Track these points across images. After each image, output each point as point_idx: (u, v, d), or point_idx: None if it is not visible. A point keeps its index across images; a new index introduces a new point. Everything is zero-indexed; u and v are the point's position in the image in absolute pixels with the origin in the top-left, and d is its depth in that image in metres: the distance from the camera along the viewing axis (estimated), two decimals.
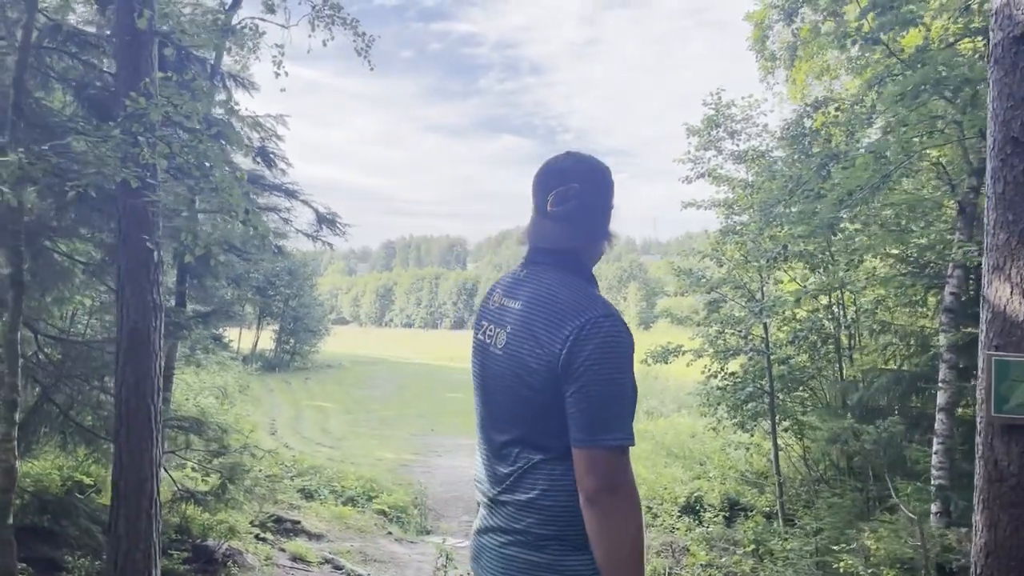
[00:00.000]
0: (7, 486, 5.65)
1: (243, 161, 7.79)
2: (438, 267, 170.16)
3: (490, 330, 2.02)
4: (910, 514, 6.14)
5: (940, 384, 8.56)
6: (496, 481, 2.00)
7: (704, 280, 15.16)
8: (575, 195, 1.96)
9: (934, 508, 8.16)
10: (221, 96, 5.52)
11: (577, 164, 2.04)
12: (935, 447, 8.41)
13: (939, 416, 8.54)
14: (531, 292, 1.94)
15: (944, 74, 5.69)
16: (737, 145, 14.94)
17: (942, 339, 8.71)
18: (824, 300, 14.02)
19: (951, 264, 8.69)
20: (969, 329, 7.67)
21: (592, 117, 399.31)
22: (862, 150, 8.54)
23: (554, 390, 1.80)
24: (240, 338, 40.24)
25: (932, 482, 8.29)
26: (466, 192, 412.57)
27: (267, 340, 46.71)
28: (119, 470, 6.17)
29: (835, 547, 7.79)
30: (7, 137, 5.57)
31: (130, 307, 6.12)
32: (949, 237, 9.87)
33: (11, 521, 5.72)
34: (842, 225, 9.03)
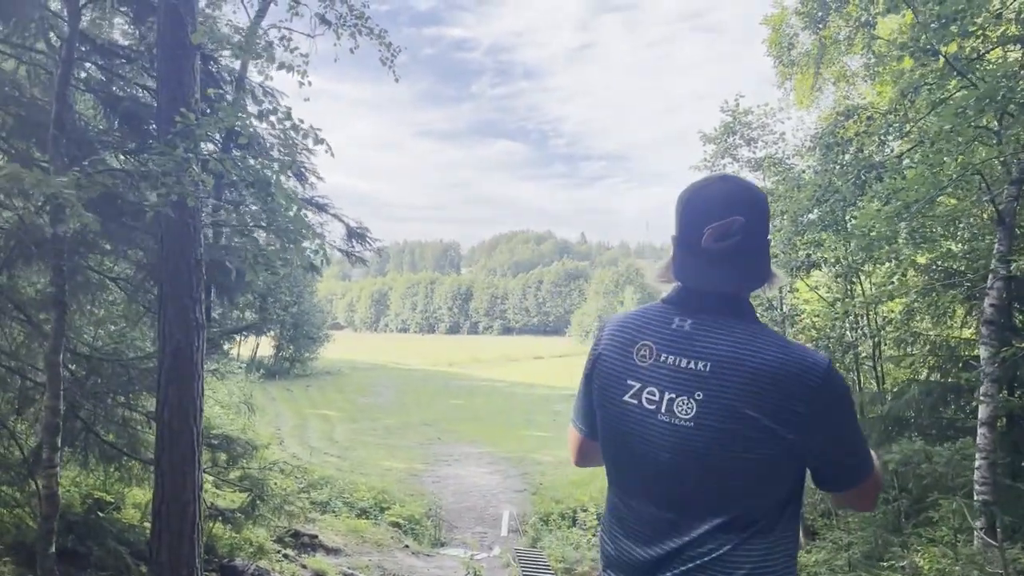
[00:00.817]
0: (50, 513, 5.47)
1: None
2: (432, 272, 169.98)
3: (653, 394, 1.70)
4: (987, 540, 5.99)
5: (982, 398, 8.43)
6: (663, 565, 1.72)
7: None
8: (739, 230, 1.65)
9: (978, 524, 8.03)
10: (281, 111, 5.34)
11: (741, 192, 1.71)
12: (978, 462, 8.27)
13: (981, 430, 8.39)
14: (721, 351, 1.65)
15: (1011, 87, 5.57)
16: (754, 152, 14.87)
17: (983, 351, 8.58)
18: (839, 307, 13.94)
19: (991, 275, 8.57)
20: None
21: (585, 121, 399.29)
22: (905, 160, 8.43)
23: (786, 463, 1.64)
24: (239, 346, 39.93)
25: (976, 498, 8.15)
26: (460, 196, 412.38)
27: (265, 347, 46.39)
28: (161, 495, 5.99)
29: (883, 563, 7.64)
30: (49, 153, 5.41)
31: (172, 326, 5.95)
32: (978, 245, 9.78)
33: (53, 549, 5.53)
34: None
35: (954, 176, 6.58)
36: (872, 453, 1.79)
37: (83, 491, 9.42)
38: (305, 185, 8.64)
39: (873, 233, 7.07)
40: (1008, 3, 8.14)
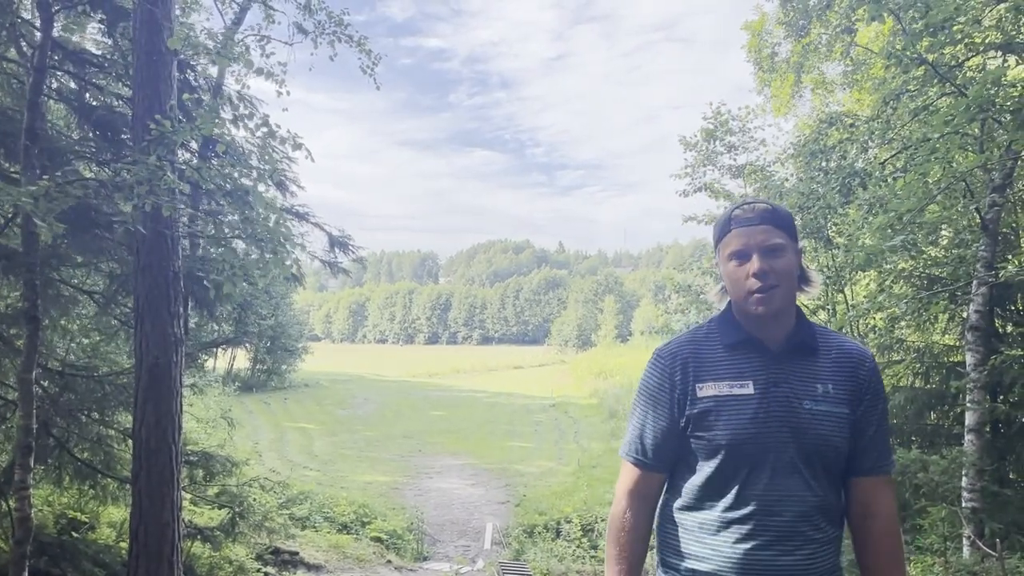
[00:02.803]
0: (23, 537, 5.27)
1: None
2: (410, 282, 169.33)
3: None
4: (985, 549, 5.93)
5: (969, 404, 8.42)
6: None
7: (703, 296, 15.01)
8: None
9: (967, 532, 8.00)
10: (258, 117, 5.19)
11: None
12: (965, 469, 8.25)
13: (968, 437, 8.38)
14: None
15: (1000, 95, 5.55)
16: (734, 159, 14.82)
17: (968, 358, 8.57)
18: (823, 316, 13.94)
19: (975, 282, 8.57)
20: (1015, 351, 7.54)
21: (562, 131, 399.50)
22: (888, 167, 8.41)
23: None
24: (216, 358, 39.39)
25: (964, 505, 8.13)
26: (437, 206, 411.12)
27: (241, 360, 45.79)
28: (138, 516, 5.79)
29: None
30: (21, 163, 5.23)
31: (149, 341, 5.77)
32: (961, 252, 9.79)
33: (26, 574, 5.32)
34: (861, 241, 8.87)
35: (942, 185, 6.56)
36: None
37: (56, 510, 9.17)
38: (286, 194, 8.48)
39: (870, 243, 7.00)
40: (986, 10, 8.18)
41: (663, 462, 2.06)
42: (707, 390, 1.95)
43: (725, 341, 2.00)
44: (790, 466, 1.89)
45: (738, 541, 1.90)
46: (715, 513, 1.95)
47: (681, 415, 1.99)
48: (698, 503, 1.99)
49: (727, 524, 1.92)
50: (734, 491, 1.92)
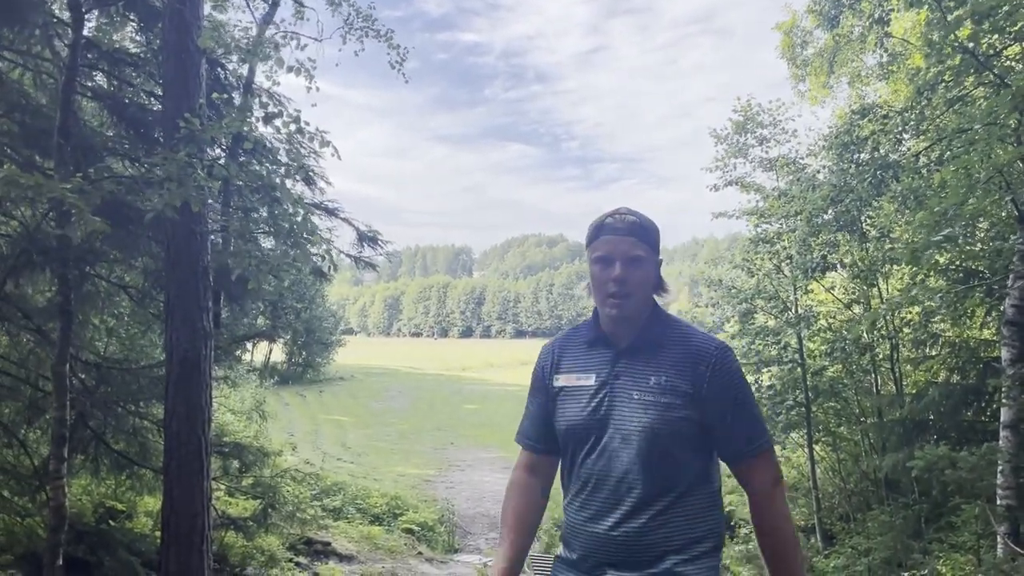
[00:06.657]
0: (57, 525, 5.41)
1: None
2: (444, 276, 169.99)
3: None
4: (1012, 547, 5.84)
5: (1004, 401, 8.26)
6: None
7: (734, 290, 14.90)
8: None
9: (1002, 530, 7.86)
10: (287, 114, 5.25)
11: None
12: (1000, 466, 8.10)
13: (1004, 433, 8.23)
14: None
15: None
16: (766, 152, 14.64)
17: (1004, 353, 8.41)
18: (858, 309, 13.74)
19: (1012, 275, 8.40)
20: None
21: (597, 124, 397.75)
22: (922, 159, 8.26)
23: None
24: (253, 352, 39.85)
25: (999, 502, 7.98)
26: (472, 201, 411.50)
27: (278, 353, 46.35)
28: (170, 506, 5.92)
29: (904, 571, 7.49)
30: (53, 160, 5.35)
31: (180, 335, 5.88)
32: (998, 244, 9.59)
33: (61, 562, 5.46)
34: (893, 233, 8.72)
35: (983, 179, 6.42)
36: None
37: (95, 500, 9.38)
38: (314, 190, 8.56)
39: (919, 238, 6.84)
40: None
41: (543, 443, 2.33)
42: (560, 380, 2.21)
43: (585, 338, 2.24)
44: (614, 448, 2.08)
45: (577, 513, 2.15)
46: (570, 495, 2.20)
47: (548, 402, 2.25)
48: (564, 488, 2.27)
49: (573, 502, 2.18)
50: (575, 471, 2.17)
